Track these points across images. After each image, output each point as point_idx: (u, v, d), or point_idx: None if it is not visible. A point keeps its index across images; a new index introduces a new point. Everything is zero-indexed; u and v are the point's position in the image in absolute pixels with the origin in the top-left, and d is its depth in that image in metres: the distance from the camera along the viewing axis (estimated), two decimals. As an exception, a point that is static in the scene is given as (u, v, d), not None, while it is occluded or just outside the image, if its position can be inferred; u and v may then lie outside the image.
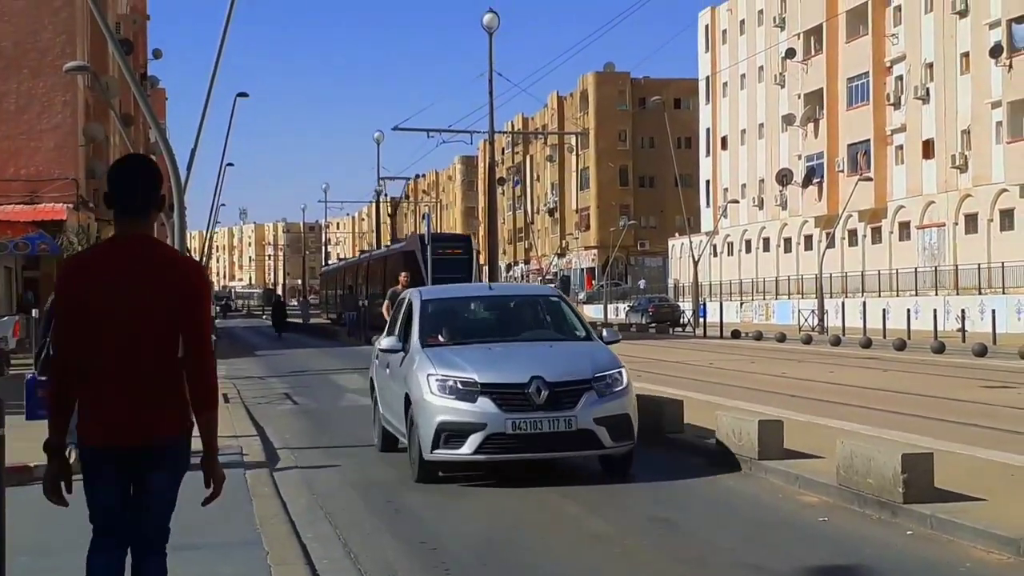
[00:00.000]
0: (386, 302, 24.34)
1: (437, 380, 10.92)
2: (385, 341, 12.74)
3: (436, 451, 10.76)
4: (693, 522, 9.35)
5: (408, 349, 11.95)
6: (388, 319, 23.74)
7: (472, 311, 13.66)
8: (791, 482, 10.61)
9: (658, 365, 27.19)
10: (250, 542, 8.20)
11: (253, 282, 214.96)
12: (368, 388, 14.39)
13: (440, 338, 12.10)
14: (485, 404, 10.64)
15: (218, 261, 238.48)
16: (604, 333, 12.88)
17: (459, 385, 10.82)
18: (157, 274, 4.68)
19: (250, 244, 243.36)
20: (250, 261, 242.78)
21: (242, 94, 40.12)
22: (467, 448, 10.63)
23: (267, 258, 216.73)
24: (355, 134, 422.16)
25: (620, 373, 11.24)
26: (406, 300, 13.24)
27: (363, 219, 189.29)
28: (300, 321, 66.67)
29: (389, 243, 61.36)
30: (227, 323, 76.68)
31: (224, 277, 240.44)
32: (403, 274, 24.23)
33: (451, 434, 10.66)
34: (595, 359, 11.45)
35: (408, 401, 11.34)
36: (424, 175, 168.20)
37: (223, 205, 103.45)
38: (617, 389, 11.07)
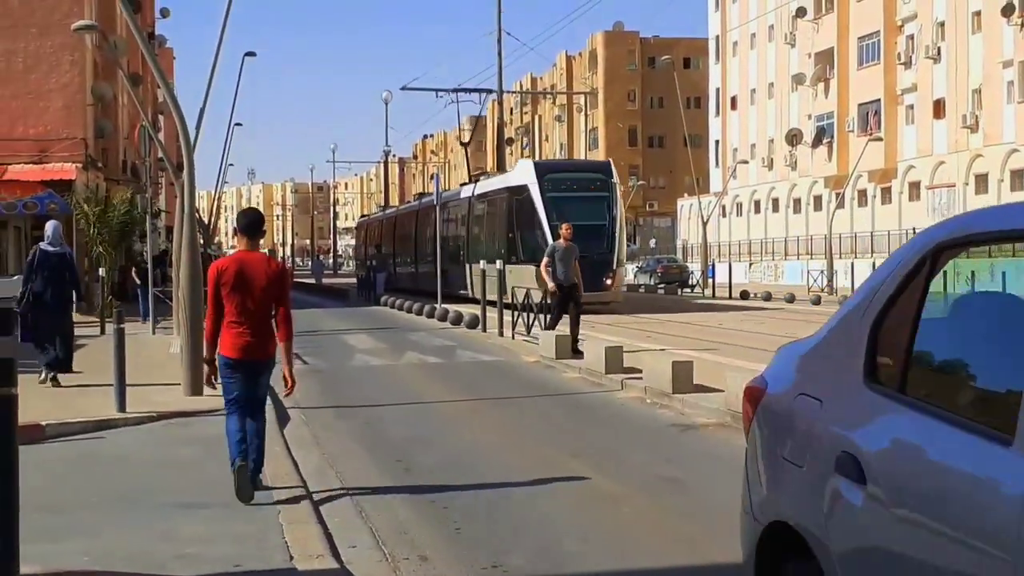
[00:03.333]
0: (545, 260, 20.15)
1: None
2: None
3: None
4: (704, 482, 9.36)
5: None
6: (551, 286, 19.86)
7: None
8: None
9: (673, 327, 27.21)
10: (262, 501, 8.24)
11: (262, 243, 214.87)
12: None
13: None
14: None
15: (226, 221, 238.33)
16: None
17: None
18: (265, 271, 8.47)
19: (258, 204, 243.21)
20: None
21: (250, 53, 40.13)
22: None
23: (275, 218, 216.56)
24: (363, 94, 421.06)
25: None
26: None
27: (371, 179, 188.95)
28: (312, 282, 66.35)
29: (417, 195, 50.06)
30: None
31: (232, 237, 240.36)
32: (565, 225, 20.97)
33: None
34: None
35: None
36: (432, 135, 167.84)
37: (231, 165, 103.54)
38: None
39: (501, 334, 24.11)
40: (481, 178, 41.85)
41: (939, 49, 57.24)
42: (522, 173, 34.67)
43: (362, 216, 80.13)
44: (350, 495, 8.84)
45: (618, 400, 14.59)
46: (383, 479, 9.61)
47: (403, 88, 56.04)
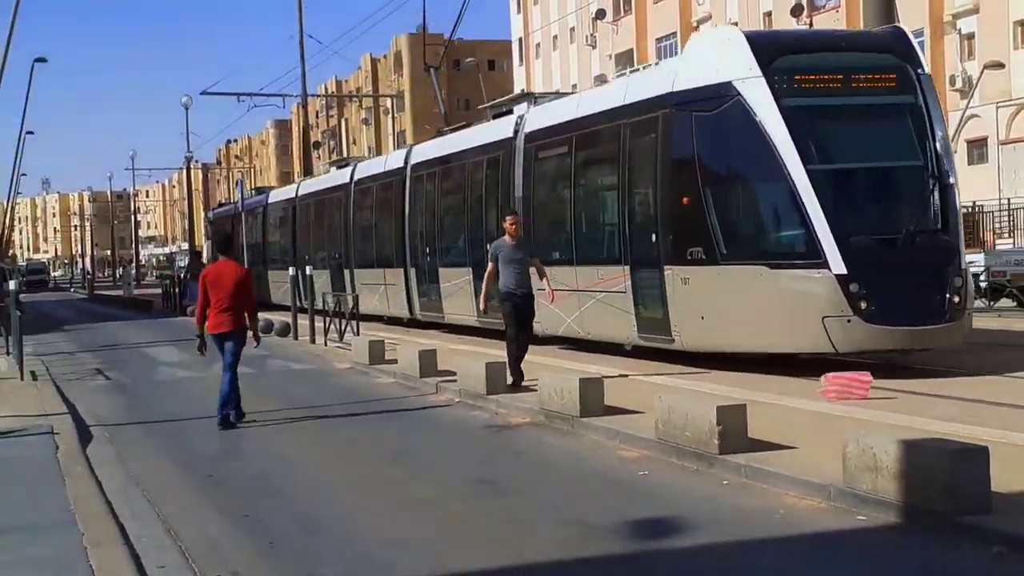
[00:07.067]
0: (489, 266, 14.65)
1: None
2: None
3: None
4: (517, 482, 9.43)
5: None
6: (483, 303, 15.00)
7: None
8: (612, 438, 10.80)
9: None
10: (64, 523, 7.93)
11: (59, 253, 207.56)
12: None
13: None
14: None
15: (21, 233, 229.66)
16: None
17: None
18: (235, 273, 12.83)
19: (55, 215, 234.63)
20: (55, 232, 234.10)
21: (40, 59, 38.73)
22: None
23: (73, 229, 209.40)
24: (163, 99, 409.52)
25: None
26: None
27: (174, 187, 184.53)
28: (122, 294, 63.62)
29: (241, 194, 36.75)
30: (34, 297, 73.51)
31: (28, 249, 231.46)
32: (510, 217, 14.81)
33: None
34: None
35: None
36: (236, 140, 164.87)
37: (24, 175, 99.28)
38: None
39: (313, 341, 23.80)
40: (540, 100, 21.53)
41: (733, 50, 59.05)
42: (716, 56, 15.05)
43: (218, 205, 62.97)
44: (158, 513, 8.59)
45: (433, 403, 14.57)
46: (193, 495, 9.36)
47: (203, 93, 54.46)
